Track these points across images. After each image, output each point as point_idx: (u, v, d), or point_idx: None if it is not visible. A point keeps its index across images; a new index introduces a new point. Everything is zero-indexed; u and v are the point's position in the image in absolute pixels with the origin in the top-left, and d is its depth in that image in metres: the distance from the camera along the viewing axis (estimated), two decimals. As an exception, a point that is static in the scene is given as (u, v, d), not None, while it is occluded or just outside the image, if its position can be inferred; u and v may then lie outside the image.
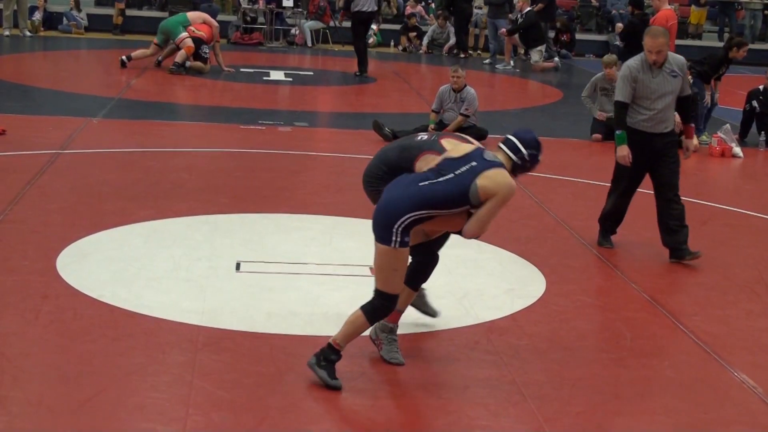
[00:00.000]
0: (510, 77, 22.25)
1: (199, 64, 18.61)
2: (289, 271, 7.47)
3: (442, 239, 6.04)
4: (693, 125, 8.63)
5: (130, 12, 26.22)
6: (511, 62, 23.56)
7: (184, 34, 18.52)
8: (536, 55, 23.57)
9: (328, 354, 5.47)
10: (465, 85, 13.30)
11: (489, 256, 8.01)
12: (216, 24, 19.33)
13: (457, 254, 7.86)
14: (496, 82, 21.40)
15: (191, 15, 19.29)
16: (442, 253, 8.06)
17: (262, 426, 5.02)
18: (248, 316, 6.48)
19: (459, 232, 5.60)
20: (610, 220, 8.70)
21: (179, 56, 18.44)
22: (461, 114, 13.15)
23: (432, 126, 13.19)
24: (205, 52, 18.79)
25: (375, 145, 12.40)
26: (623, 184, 8.56)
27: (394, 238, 5.32)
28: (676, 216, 8.32)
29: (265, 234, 8.40)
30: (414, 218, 5.34)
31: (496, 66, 23.31)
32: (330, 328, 6.34)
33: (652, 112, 8.21)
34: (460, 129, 13.10)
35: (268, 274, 7.37)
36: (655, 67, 8.14)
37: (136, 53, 18.77)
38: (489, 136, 13.23)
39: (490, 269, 7.79)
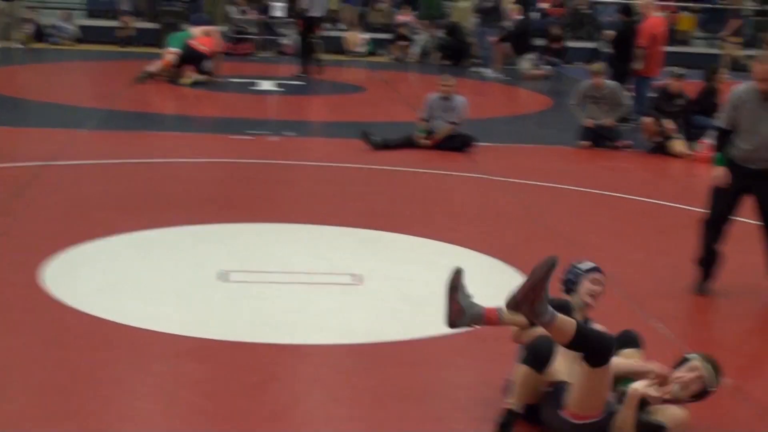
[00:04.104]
0: (499, 85, 22.28)
1: (203, 77, 18.73)
2: (276, 280, 7.46)
3: None
4: None
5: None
6: (500, 70, 23.58)
7: (175, 49, 18.67)
8: (526, 63, 23.61)
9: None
10: (454, 93, 13.32)
11: (474, 263, 8.00)
12: (217, 35, 19.58)
13: (443, 262, 7.86)
14: (485, 90, 21.42)
15: (195, 30, 19.56)
16: (429, 260, 8.09)
17: (245, 435, 5.02)
18: (233, 325, 6.47)
19: None
20: (705, 261, 7.67)
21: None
22: (450, 122, 13.16)
23: (421, 134, 13.20)
24: (207, 66, 18.91)
25: (363, 155, 12.44)
26: (713, 213, 7.61)
27: None
28: None
29: (251, 243, 8.40)
30: None
31: (485, 74, 23.31)
32: (316, 336, 6.36)
33: (750, 146, 7.32)
34: (449, 137, 13.14)
35: (254, 283, 7.36)
36: (764, 97, 7.20)
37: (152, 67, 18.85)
38: (476, 143, 13.26)
39: (476, 276, 7.73)
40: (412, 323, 6.70)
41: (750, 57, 18.06)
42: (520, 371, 5.07)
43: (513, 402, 5.05)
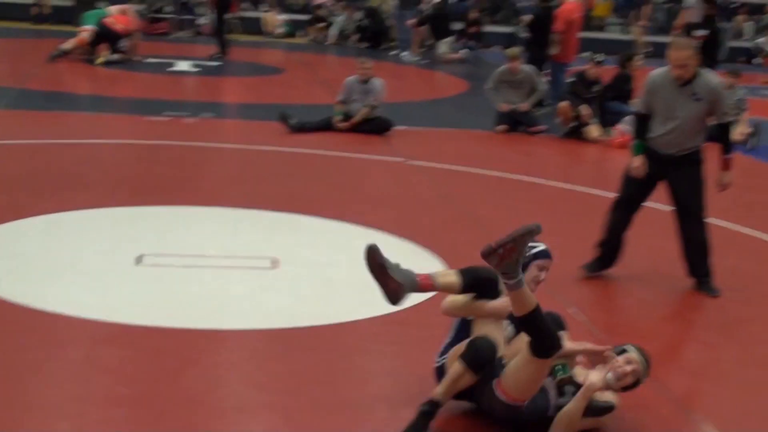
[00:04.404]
0: (417, 68, 22.32)
1: (117, 56, 18.53)
2: (192, 264, 7.41)
3: None
4: (731, 156, 7.60)
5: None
6: (418, 53, 23.64)
7: (90, 27, 18.45)
8: (443, 46, 23.69)
9: None
10: (372, 76, 13.33)
11: (393, 248, 8.01)
12: (133, 14, 19.34)
13: (361, 245, 7.86)
14: (403, 73, 21.45)
15: (111, 8, 19.34)
16: (346, 244, 8.09)
17: (162, 422, 4.97)
18: (148, 310, 6.40)
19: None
20: (607, 245, 7.75)
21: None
22: (367, 105, 13.16)
23: (338, 117, 13.19)
24: (123, 46, 18.72)
25: (281, 137, 12.39)
26: (624, 196, 7.71)
27: None
28: (690, 242, 7.60)
29: (167, 227, 8.33)
30: None
31: (403, 57, 23.36)
32: (232, 321, 6.33)
33: (664, 131, 7.41)
34: (366, 120, 13.14)
35: (169, 267, 7.30)
36: (679, 84, 7.30)
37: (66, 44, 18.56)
38: (394, 127, 13.29)
39: (395, 260, 7.78)
40: (330, 307, 6.70)
41: (662, 44, 18.41)
42: (456, 367, 4.99)
43: (439, 393, 5.00)
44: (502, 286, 5.08)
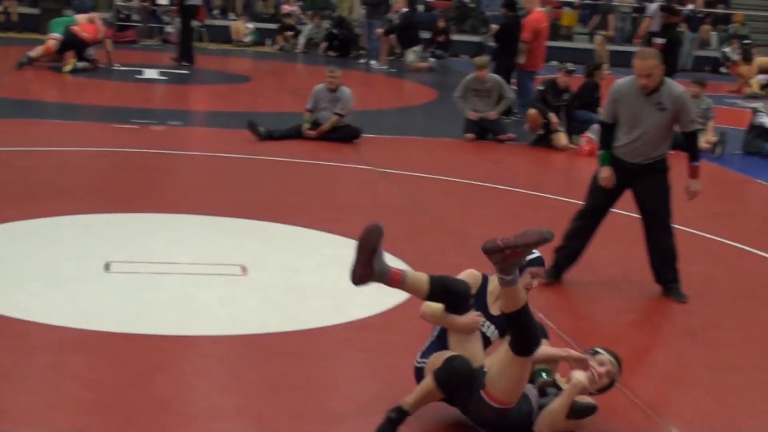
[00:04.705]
0: (385, 77, 22.37)
1: (83, 64, 18.48)
2: (160, 270, 7.39)
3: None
4: (698, 164, 7.58)
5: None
6: (387, 62, 23.71)
7: (58, 35, 18.40)
8: (411, 55, 23.76)
9: None
10: (340, 85, 13.35)
11: (362, 255, 8.03)
12: (100, 22, 19.32)
13: (330, 252, 7.90)
14: (372, 82, 21.49)
15: (79, 16, 19.28)
16: (315, 251, 8.10)
17: (131, 427, 4.96)
18: (117, 317, 6.39)
19: None
20: (566, 248, 7.76)
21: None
22: (336, 113, 13.18)
23: (306, 125, 13.20)
24: (90, 54, 18.70)
25: (250, 145, 12.39)
26: (591, 205, 7.75)
27: None
28: (657, 249, 7.67)
29: (135, 234, 8.30)
30: None
31: (372, 65, 23.41)
32: (202, 327, 6.33)
33: (629, 140, 7.44)
34: (335, 128, 13.16)
35: (137, 274, 7.28)
36: (644, 93, 7.35)
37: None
38: (363, 135, 13.32)
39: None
40: (299, 314, 6.71)
41: (627, 53, 18.57)
42: (428, 383, 4.97)
43: (408, 403, 4.99)
44: (472, 302, 5.11)
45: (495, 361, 4.97)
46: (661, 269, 7.68)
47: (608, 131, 7.59)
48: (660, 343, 7.07)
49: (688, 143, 7.57)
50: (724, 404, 5.85)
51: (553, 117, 14.03)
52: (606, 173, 7.54)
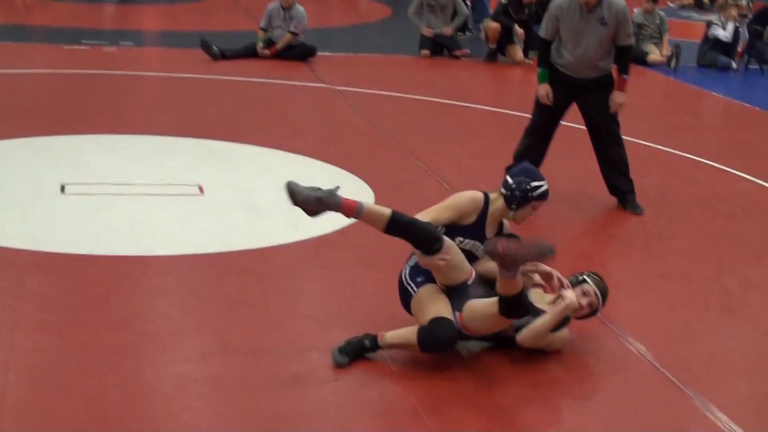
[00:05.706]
0: (340, -6, 22.16)
1: None
2: (116, 191, 7.34)
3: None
4: (627, 77, 7.58)
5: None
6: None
7: None
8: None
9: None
10: (294, 3, 13.21)
11: (319, 172, 8.03)
12: None
13: (287, 171, 7.87)
14: (326, 0, 21.28)
15: None
16: (271, 170, 8.09)
17: (90, 347, 4.95)
18: (74, 238, 6.36)
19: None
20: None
21: None
22: (290, 32, 13.06)
23: (260, 44, 13.08)
24: None
25: (203, 65, 12.27)
26: (537, 121, 7.78)
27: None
28: (608, 161, 7.72)
29: (90, 155, 8.23)
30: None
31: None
32: (159, 247, 6.31)
33: (573, 57, 7.47)
34: (289, 47, 13.05)
35: (93, 196, 7.23)
36: (586, 9, 7.33)
37: None
38: (318, 53, 13.23)
39: (320, 185, 7.79)
40: (258, 232, 6.71)
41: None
42: (410, 338, 4.93)
43: (386, 342, 4.97)
44: (446, 240, 5.05)
45: (480, 305, 4.98)
46: (614, 181, 7.73)
47: (547, 48, 7.58)
48: (616, 253, 7.13)
49: (620, 56, 7.55)
50: (679, 314, 5.93)
51: (517, 29, 14.02)
52: (543, 90, 7.57)
